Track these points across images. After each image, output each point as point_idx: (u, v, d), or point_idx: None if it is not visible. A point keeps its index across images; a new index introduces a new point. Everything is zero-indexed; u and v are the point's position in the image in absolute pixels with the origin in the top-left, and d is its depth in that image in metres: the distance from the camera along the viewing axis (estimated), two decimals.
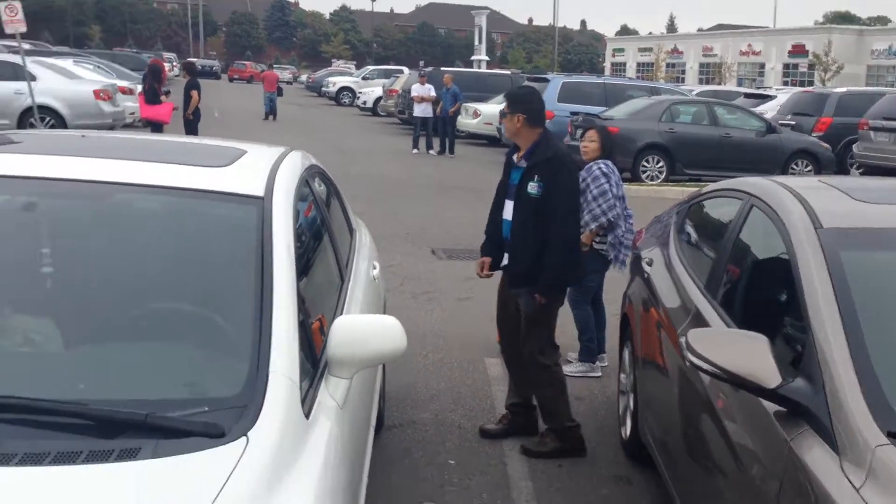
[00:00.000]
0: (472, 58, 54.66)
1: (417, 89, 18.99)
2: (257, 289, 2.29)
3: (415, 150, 18.80)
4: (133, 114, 16.95)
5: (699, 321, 3.25)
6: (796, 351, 2.50)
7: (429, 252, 8.93)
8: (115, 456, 1.75)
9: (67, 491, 1.68)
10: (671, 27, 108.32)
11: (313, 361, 2.34)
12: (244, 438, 1.86)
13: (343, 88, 38.08)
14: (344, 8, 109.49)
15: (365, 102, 31.98)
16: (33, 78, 14.40)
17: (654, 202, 10.51)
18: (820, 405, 2.17)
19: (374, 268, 4.07)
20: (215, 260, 2.60)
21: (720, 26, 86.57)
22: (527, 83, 17.76)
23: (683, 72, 63.44)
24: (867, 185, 4.09)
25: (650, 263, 4.40)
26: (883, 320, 2.44)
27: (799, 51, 53.70)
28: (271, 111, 25.48)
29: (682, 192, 13.29)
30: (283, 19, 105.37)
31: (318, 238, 3.22)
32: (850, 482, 1.93)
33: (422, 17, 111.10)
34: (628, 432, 4.37)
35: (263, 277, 2.32)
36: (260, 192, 2.67)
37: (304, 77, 58.18)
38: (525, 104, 4.30)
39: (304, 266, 2.68)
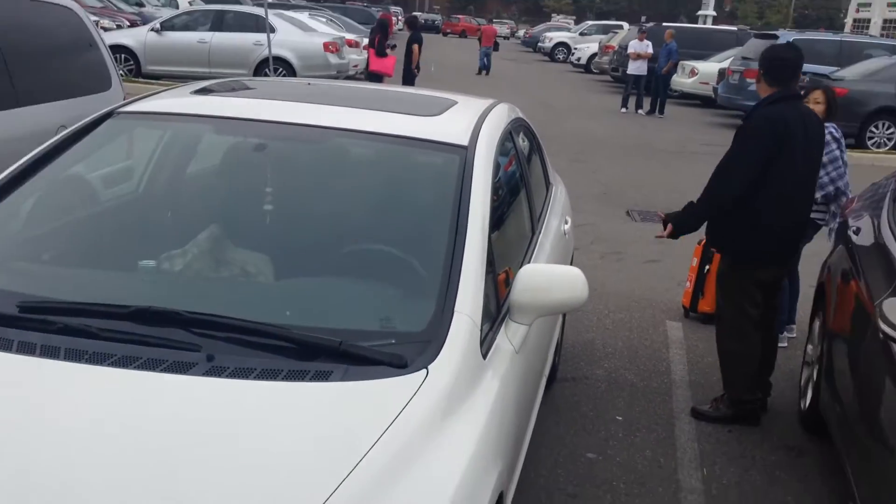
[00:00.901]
0: (699, 13, 52.02)
1: (634, 45, 18.49)
2: (451, 234, 2.44)
3: (623, 109, 18.40)
4: (356, 66, 17.85)
5: None
6: None
7: (623, 213, 8.84)
8: (310, 376, 1.98)
9: (268, 402, 1.92)
10: None
11: (496, 306, 2.48)
12: (424, 371, 2.03)
13: (559, 44, 37.79)
14: None
15: (579, 59, 31.61)
16: (273, 30, 15.48)
17: (877, 171, 9.65)
18: None
19: (566, 223, 4.15)
20: (416, 204, 2.81)
21: None
22: (766, 41, 16.77)
23: None
24: None
25: (857, 232, 4.15)
26: None
27: None
28: (485, 66, 25.82)
29: None
30: None
31: (514, 190, 3.35)
32: None
33: None
34: (807, 403, 4.23)
35: (458, 224, 2.46)
36: (464, 141, 2.82)
37: (521, 32, 58.18)
38: (765, 59, 4.17)
39: (497, 216, 2.81)
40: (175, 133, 3.28)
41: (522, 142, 3.73)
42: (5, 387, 1.94)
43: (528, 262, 3.04)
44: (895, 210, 3.93)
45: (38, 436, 1.77)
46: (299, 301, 2.40)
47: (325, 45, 16.64)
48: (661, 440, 4.05)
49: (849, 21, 68.85)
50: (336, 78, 16.38)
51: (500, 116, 3.31)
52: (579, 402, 4.39)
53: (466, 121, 3.03)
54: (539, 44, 41.28)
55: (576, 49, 33.18)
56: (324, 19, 21.93)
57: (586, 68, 30.41)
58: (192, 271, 2.53)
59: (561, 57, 36.56)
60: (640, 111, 18.33)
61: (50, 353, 2.00)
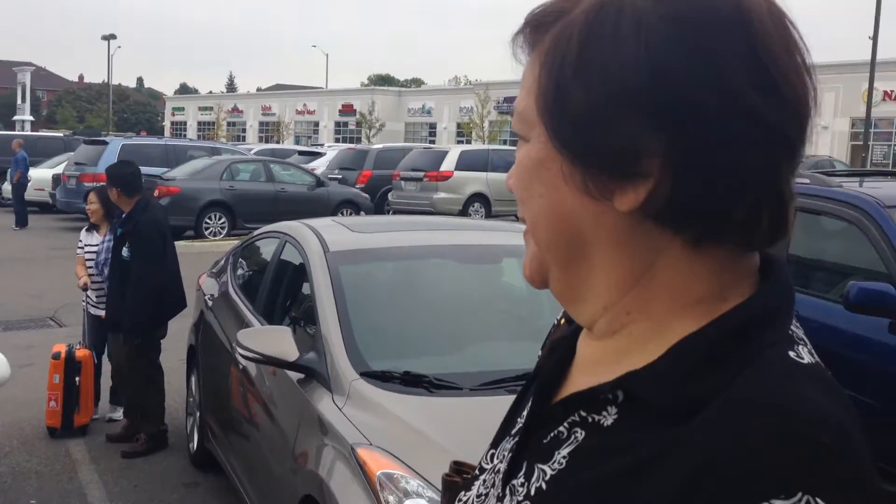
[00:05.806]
0: (15, 118, 50.48)
1: None
2: None
3: None
4: None
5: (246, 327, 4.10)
6: (311, 335, 3.48)
7: None
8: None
9: None
10: (231, 87, 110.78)
11: None
12: None
13: None
14: None
15: None
16: None
17: (217, 256, 11.19)
18: (322, 367, 3.16)
19: None
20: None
21: (278, 86, 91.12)
22: (97, 146, 17.57)
23: (244, 130, 65.57)
24: (364, 221, 5.62)
25: (211, 298, 5.18)
26: (363, 308, 3.55)
27: (348, 110, 58.92)
28: None
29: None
30: None
31: None
32: (337, 405, 2.94)
33: None
34: (195, 445, 5.07)
35: None
36: None
37: None
38: (116, 177, 5.07)
39: None
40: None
41: None
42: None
43: None
44: (234, 275, 5.10)
45: None
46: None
47: None
48: None
49: (167, 124, 74.45)
50: None
51: None
52: None
53: None
54: None
55: None
56: None
57: None
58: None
59: None
60: None
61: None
